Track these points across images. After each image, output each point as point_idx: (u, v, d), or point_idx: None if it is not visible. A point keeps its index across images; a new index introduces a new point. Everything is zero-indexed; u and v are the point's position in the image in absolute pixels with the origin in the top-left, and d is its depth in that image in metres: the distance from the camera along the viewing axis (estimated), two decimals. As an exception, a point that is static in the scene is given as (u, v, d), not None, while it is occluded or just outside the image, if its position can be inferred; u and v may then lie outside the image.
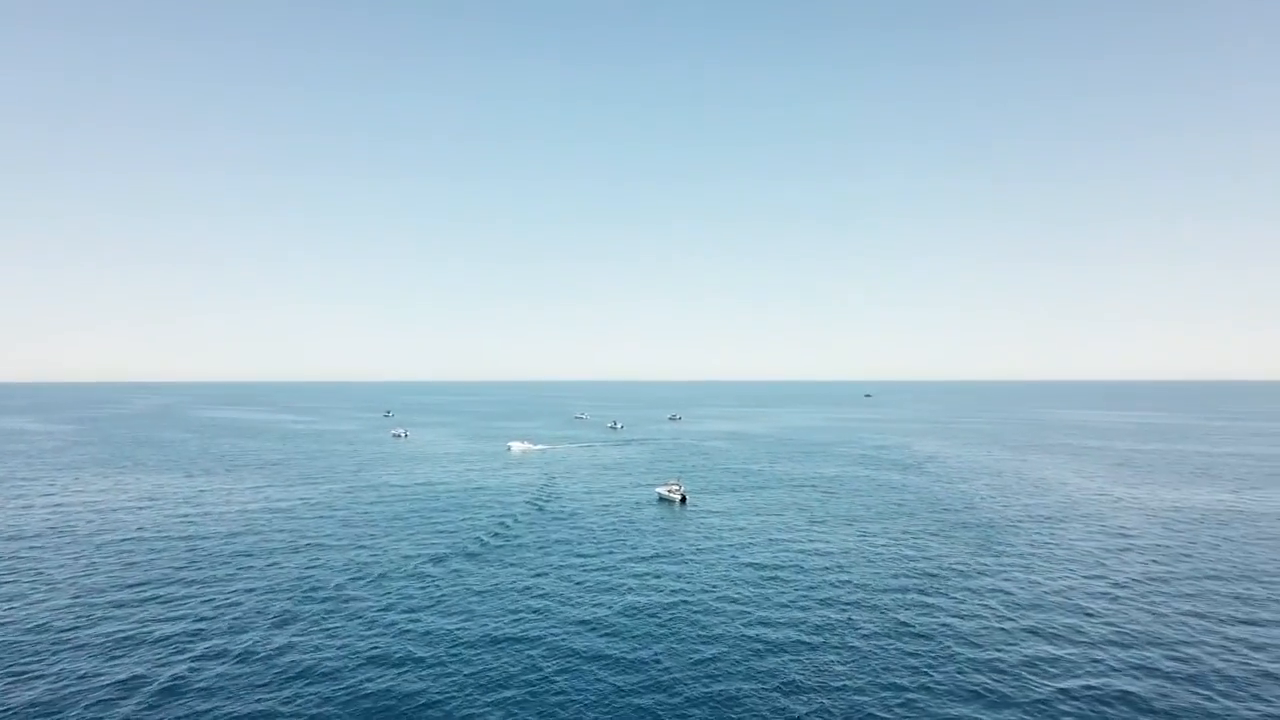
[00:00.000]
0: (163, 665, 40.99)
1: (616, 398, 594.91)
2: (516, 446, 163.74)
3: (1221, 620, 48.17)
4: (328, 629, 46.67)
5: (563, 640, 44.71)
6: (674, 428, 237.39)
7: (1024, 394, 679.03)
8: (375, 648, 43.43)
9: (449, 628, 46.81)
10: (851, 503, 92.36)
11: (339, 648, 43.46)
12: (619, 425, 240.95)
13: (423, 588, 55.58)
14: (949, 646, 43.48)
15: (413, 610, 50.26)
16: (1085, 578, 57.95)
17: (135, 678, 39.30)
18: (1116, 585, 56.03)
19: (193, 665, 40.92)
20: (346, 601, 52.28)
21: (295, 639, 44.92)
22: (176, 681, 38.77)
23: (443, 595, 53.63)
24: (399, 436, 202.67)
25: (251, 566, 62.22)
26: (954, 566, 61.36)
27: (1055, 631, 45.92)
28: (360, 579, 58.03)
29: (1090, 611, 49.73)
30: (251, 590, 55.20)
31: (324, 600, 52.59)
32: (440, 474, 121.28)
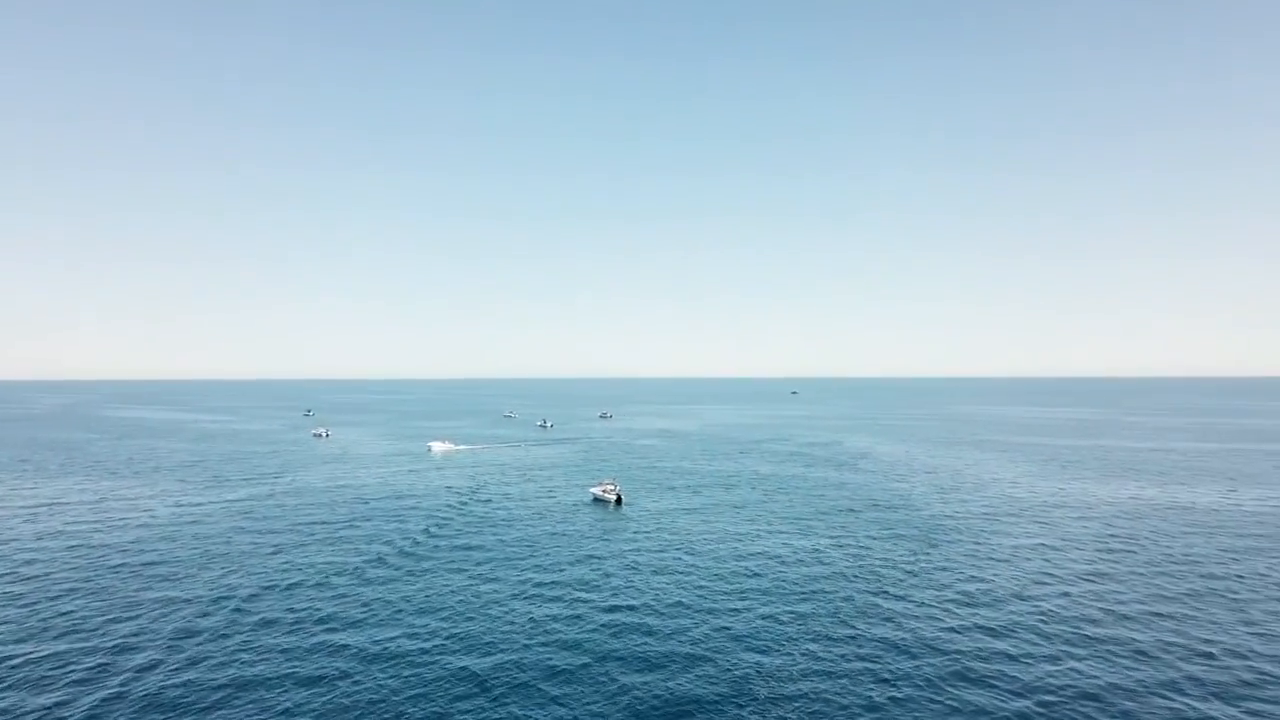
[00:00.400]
0: (56, 692, 36.52)
1: (549, 395, 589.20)
2: (438, 447, 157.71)
3: (1180, 620, 47.80)
4: (249, 646, 42.54)
5: (508, 656, 41.58)
6: (605, 426, 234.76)
7: (970, 390, 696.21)
8: (301, 668, 39.58)
9: (382, 645, 43.19)
10: (792, 501, 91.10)
11: (261, 668, 39.47)
12: (549, 424, 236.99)
13: (350, 600, 51.65)
14: (914, 653, 41.85)
15: (341, 626, 46.39)
16: (1036, 579, 57.29)
17: (19, 710, 34.80)
18: (1068, 584, 55.50)
19: (90, 692, 36.53)
20: (267, 618, 48.07)
21: (210, 658, 40.73)
22: (73, 712, 34.43)
23: (372, 609, 49.83)
24: (320, 436, 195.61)
25: (162, 577, 57.21)
26: (905, 567, 60.13)
27: (1019, 636, 44.75)
28: (281, 590, 53.72)
29: (1048, 612, 48.85)
30: (164, 605, 50.43)
31: (242, 614, 48.25)
32: (364, 476, 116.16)
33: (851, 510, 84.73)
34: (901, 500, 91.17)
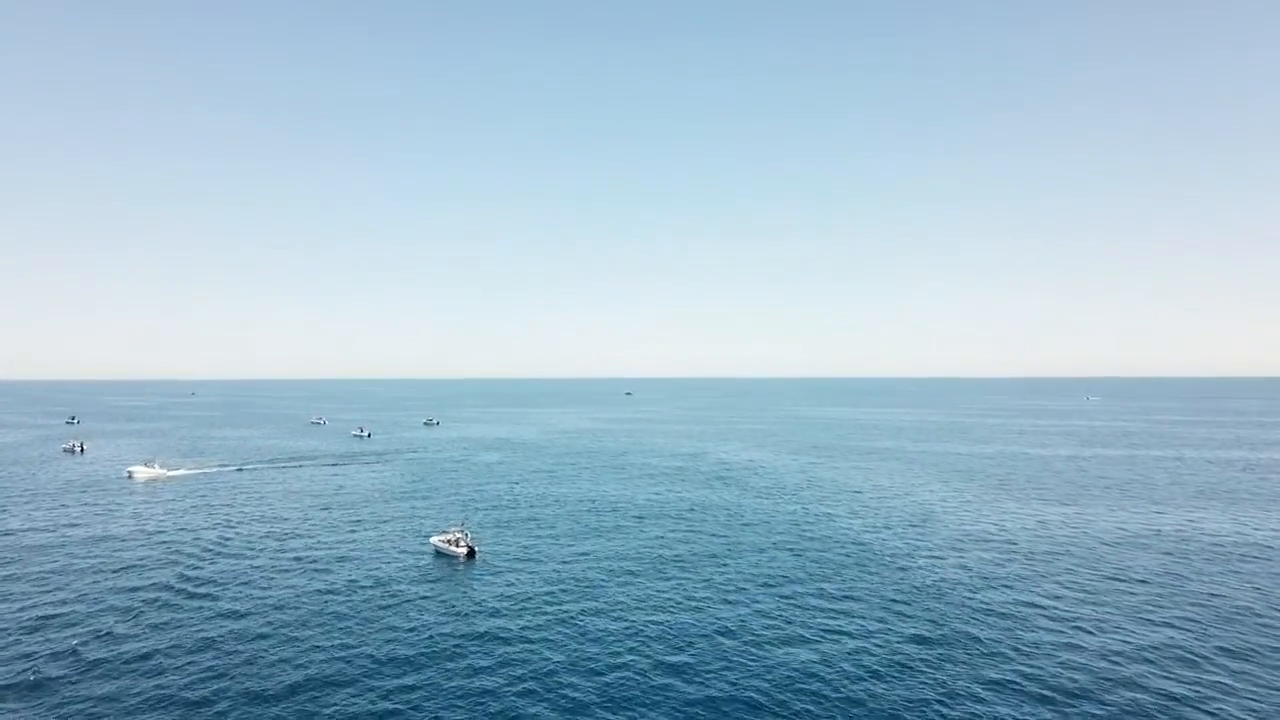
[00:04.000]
0: None
1: (366, 398, 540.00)
2: (140, 473, 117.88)
3: None
4: None
5: None
6: (432, 435, 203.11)
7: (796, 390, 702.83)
8: None
9: None
10: (709, 542, 68.53)
11: None
12: (367, 433, 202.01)
13: None
14: None
15: None
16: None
17: None
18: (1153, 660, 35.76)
19: None
20: None
21: None
22: None
23: None
24: (72, 451, 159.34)
25: None
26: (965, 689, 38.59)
27: None
28: None
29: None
30: None
31: None
32: (100, 508, 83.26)
33: (796, 552, 63.49)
34: (843, 534, 70.93)
